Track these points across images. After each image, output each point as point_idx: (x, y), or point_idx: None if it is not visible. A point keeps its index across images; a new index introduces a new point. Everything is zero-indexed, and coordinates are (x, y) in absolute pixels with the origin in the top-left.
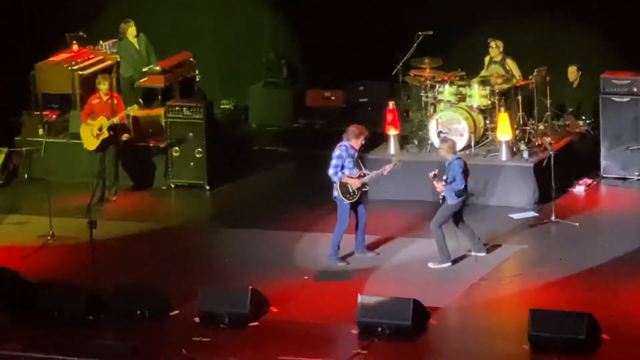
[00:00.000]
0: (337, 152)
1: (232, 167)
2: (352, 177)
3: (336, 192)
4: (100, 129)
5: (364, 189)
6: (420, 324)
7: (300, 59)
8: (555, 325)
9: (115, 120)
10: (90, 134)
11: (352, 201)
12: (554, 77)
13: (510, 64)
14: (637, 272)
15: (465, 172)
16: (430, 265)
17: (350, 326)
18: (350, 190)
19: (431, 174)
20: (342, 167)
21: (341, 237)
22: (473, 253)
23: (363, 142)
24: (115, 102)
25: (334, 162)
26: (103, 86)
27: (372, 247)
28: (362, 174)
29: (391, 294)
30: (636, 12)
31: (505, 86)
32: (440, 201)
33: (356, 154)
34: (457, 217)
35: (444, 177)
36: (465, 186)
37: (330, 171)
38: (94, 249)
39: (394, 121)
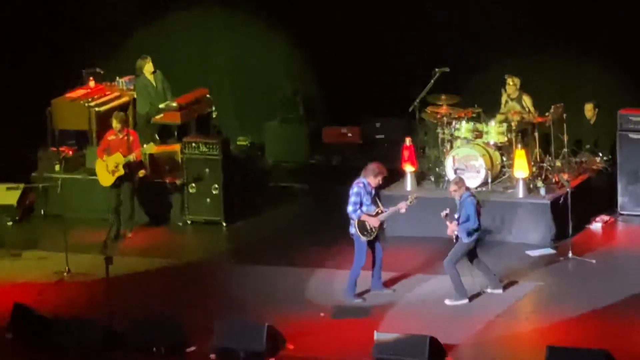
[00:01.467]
0: (355, 189)
1: (249, 204)
2: (370, 215)
3: (354, 230)
4: (116, 166)
5: (381, 227)
6: None
7: (317, 95)
8: None
9: (131, 157)
10: (106, 170)
11: (370, 239)
12: (571, 114)
13: (527, 100)
14: None
15: (478, 209)
16: (447, 302)
17: None
18: (368, 228)
19: (443, 214)
20: (361, 204)
21: (358, 274)
22: (489, 290)
23: (380, 181)
24: (132, 139)
25: (352, 199)
26: (116, 124)
27: (388, 283)
28: (379, 211)
29: (407, 331)
30: None
31: (523, 122)
32: (455, 239)
33: (373, 191)
34: (472, 254)
35: (456, 216)
36: (479, 223)
37: (350, 208)
38: (109, 285)
39: (410, 158)
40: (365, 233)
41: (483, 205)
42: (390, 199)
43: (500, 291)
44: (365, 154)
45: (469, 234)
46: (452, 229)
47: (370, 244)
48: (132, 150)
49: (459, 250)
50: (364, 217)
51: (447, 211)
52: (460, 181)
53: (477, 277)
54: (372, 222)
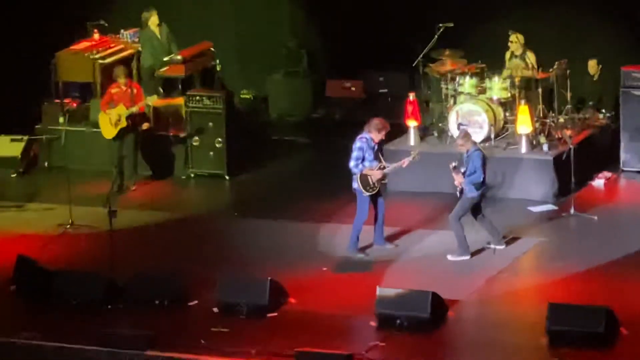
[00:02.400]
0: (357, 144)
1: (252, 157)
2: (373, 170)
3: (356, 184)
4: (118, 118)
5: (383, 181)
6: (438, 316)
7: (320, 49)
8: (573, 319)
9: (134, 109)
10: (109, 122)
11: (372, 193)
12: (574, 70)
13: (531, 56)
14: None
15: (484, 164)
16: (449, 257)
17: (369, 318)
18: (371, 183)
19: (451, 165)
20: (363, 159)
21: (360, 229)
22: (492, 245)
23: (383, 136)
24: (135, 91)
25: (355, 154)
26: (121, 79)
27: (391, 238)
28: (382, 166)
29: (410, 286)
30: None
31: (526, 75)
32: (458, 194)
33: (376, 146)
34: (476, 209)
35: (463, 170)
36: (484, 178)
37: (352, 163)
38: (113, 238)
39: (414, 113)
40: (368, 188)
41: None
42: (393, 153)
43: (502, 247)
44: (368, 108)
45: (475, 187)
46: (459, 180)
47: (373, 199)
48: (135, 102)
49: (464, 205)
50: (366, 172)
51: (455, 163)
52: (467, 135)
53: (480, 232)
54: (375, 176)
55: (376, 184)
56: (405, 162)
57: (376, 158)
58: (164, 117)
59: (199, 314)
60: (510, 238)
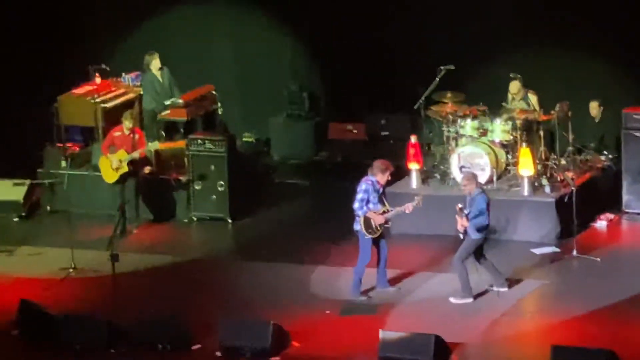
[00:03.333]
0: (363, 186)
1: (254, 200)
2: (376, 213)
3: (358, 226)
4: (119, 163)
5: (386, 225)
6: (441, 359)
7: (322, 91)
8: None
9: (135, 155)
10: (110, 167)
11: (374, 236)
12: (576, 112)
13: (533, 98)
14: None
15: (488, 207)
16: (452, 300)
17: None
18: (373, 226)
19: (458, 207)
20: (367, 201)
21: (363, 272)
22: (495, 288)
23: (389, 177)
24: (137, 137)
25: (359, 195)
26: (128, 123)
27: (393, 281)
28: (385, 210)
29: (413, 329)
30: None
31: (527, 118)
32: (462, 236)
33: (381, 189)
34: (478, 251)
35: (466, 212)
36: (489, 221)
37: (356, 205)
38: (115, 281)
39: (416, 155)
40: (370, 230)
41: (488, 210)
42: (395, 196)
43: (505, 289)
44: (370, 150)
45: (479, 230)
46: (463, 224)
47: (375, 242)
48: (136, 148)
49: (468, 247)
50: (369, 214)
51: (462, 205)
52: (472, 176)
53: (483, 275)
54: (378, 220)
55: (379, 227)
56: (409, 207)
57: (380, 201)
58: (166, 161)
59: (201, 358)
60: (512, 280)
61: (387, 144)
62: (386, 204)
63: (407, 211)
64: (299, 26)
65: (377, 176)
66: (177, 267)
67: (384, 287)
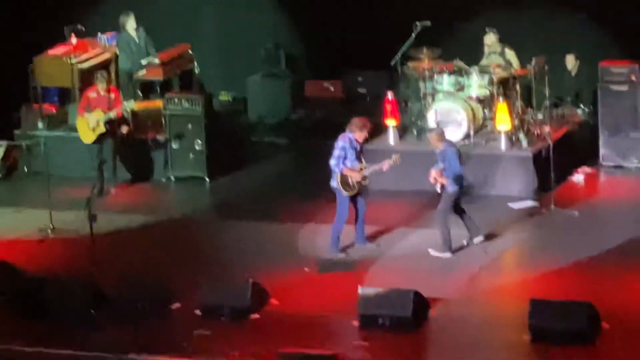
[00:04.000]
0: (340, 143)
1: (232, 159)
2: (353, 170)
3: (335, 183)
4: (97, 123)
5: (363, 182)
6: (420, 315)
7: (299, 50)
8: (555, 315)
9: (112, 115)
10: (87, 127)
11: (351, 193)
12: (553, 66)
13: (509, 53)
14: (636, 261)
15: (460, 158)
16: (431, 251)
17: (351, 318)
18: (350, 183)
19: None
20: (345, 159)
21: (341, 229)
22: (475, 240)
23: (366, 135)
24: (113, 96)
25: (336, 152)
26: (102, 84)
27: (372, 237)
28: (362, 167)
29: (391, 285)
30: (634, 0)
31: (504, 75)
32: (439, 190)
33: (359, 146)
34: (456, 205)
35: (441, 167)
36: (462, 172)
37: (333, 162)
38: (94, 242)
39: (392, 112)
40: (347, 187)
41: (463, 163)
42: (372, 153)
43: (481, 238)
44: (347, 108)
45: (455, 182)
46: (438, 180)
47: (353, 199)
48: (113, 107)
49: (446, 201)
50: (346, 171)
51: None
52: (440, 132)
53: (462, 230)
54: (355, 177)
55: (355, 185)
56: (386, 165)
57: (358, 159)
58: (143, 121)
59: (181, 317)
60: (491, 235)
61: (364, 101)
62: (364, 161)
63: (384, 169)
64: None
65: (355, 133)
66: (156, 227)
67: (362, 243)
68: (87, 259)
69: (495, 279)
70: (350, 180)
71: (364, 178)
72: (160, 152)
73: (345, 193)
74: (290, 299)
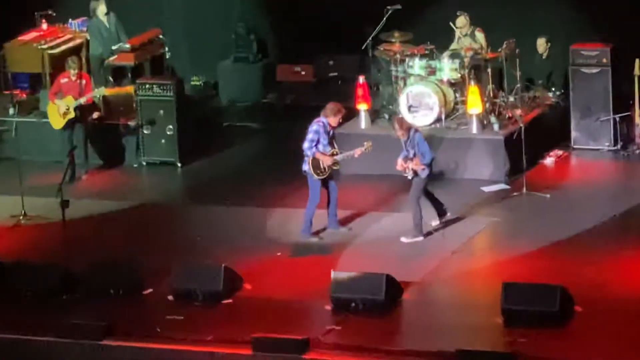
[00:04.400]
0: (314, 127)
1: (203, 144)
2: (325, 154)
3: (307, 167)
4: (67, 109)
5: (334, 167)
6: (393, 298)
7: (270, 34)
8: (528, 298)
9: (82, 101)
10: (57, 113)
11: (322, 177)
12: (523, 49)
13: (479, 36)
14: (608, 244)
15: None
16: (403, 239)
17: (324, 302)
18: (322, 167)
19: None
20: (317, 143)
21: (313, 213)
22: (441, 220)
23: (340, 120)
24: (84, 82)
25: (310, 136)
26: (73, 70)
27: (344, 222)
28: (334, 152)
29: (364, 269)
30: None
31: (475, 58)
32: (410, 177)
33: (332, 131)
34: (425, 188)
35: (411, 154)
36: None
37: (306, 145)
38: (66, 228)
39: (364, 96)
40: (318, 171)
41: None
42: (344, 137)
43: (448, 214)
44: (319, 91)
45: (429, 166)
46: (412, 167)
47: (325, 183)
48: (83, 94)
49: (419, 186)
50: (318, 155)
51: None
52: (402, 120)
53: (432, 213)
54: (326, 161)
55: (327, 169)
56: (358, 152)
57: (330, 144)
58: (114, 106)
59: (154, 302)
60: (462, 218)
61: (336, 85)
62: (336, 147)
63: (355, 155)
64: None
65: (328, 118)
66: (128, 212)
67: (335, 228)
68: (59, 245)
69: (468, 263)
70: (321, 164)
71: (336, 163)
72: (132, 137)
73: (316, 177)
74: (263, 283)
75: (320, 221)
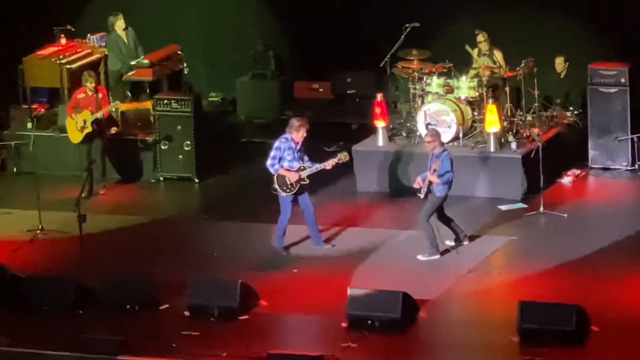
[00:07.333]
0: (276, 143)
1: (221, 160)
2: (290, 170)
3: (275, 184)
4: (84, 123)
5: (303, 182)
6: (409, 316)
7: (288, 51)
8: (544, 317)
9: (99, 115)
10: (75, 127)
11: (290, 193)
12: (542, 68)
13: (498, 55)
14: (625, 263)
15: (452, 164)
16: (419, 257)
17: (340, 319)
18: (288, 183)
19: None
20: (280, 159)
21: (284, 227)
22: (461, 242)
23: (304, 134)
24: (101, 96)
25: (272, 153)
26: (89, 84)
27: (360, 239)
28: (302, 167)
29: (380, 287)
30: (623, 3)
31: (493, 77)
32: (422, 196)
33: (297, 146)
34: (441, 211)
35: (434, 168)
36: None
37: (268, 162)
38: (83, 242)
39: (382, 113)
40: (285, 188)
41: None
42: (361, 154)
43: (465, 243)
44: (336, 108)
45: (445, 185)
46: (435, 180)
47: (296, 200)
48: (100, 107)
49: (434, 204)
50: (282, 172)
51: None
52: (436, 133)
53: (445, 233)
54: (292, 177)
55: (294, 185)
56: (330, 163)
57: (298, 159)
58: (132, 121)
59: (169, 317)
60: (479, 237)
61: (353, 102)
62: (304, 161)
63: (327, 167)
64: None
65: (292, 134)
66: (145, 228)
67: (318, 244)
68: (76, 260)
69: (484, 281)
70: (287, 180)
71: (303, 178)
72: (149, 152)
73: (283, 193)
74: (279, 300)
75: (292, 236)
